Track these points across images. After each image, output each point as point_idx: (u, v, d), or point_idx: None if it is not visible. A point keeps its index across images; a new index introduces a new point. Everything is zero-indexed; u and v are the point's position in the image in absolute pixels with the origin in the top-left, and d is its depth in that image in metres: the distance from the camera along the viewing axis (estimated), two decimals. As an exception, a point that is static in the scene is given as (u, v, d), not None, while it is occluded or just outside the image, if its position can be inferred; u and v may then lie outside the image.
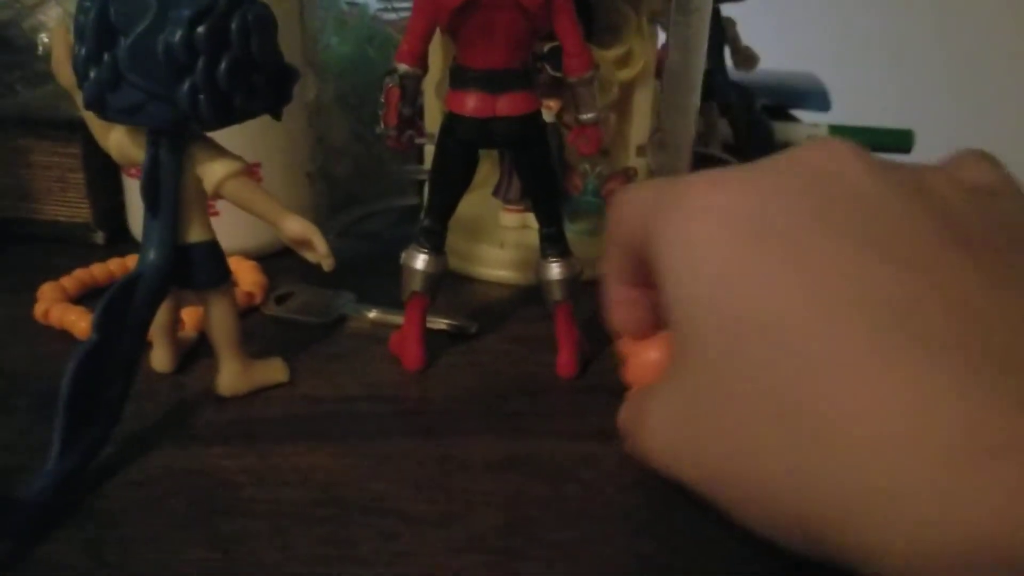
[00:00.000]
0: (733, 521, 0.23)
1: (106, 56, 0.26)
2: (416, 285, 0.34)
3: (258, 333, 0.38)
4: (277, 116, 0.30)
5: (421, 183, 0.48)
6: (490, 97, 0.31)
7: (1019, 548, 0.17)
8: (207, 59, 0.26)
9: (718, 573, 0.26)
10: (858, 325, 0.20)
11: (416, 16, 0.31)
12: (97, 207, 0.46)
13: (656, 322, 0.29)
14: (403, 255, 0.35)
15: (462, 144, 0.33)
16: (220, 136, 0.30)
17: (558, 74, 0.33)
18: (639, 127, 0.46)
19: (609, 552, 0.26)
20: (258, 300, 0.40)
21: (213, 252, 0.31)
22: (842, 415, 0.19)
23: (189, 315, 0.36)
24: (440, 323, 0.38)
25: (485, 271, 0.44)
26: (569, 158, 0.44)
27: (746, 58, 0.63)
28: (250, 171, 0.30)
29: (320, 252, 0.30)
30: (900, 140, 0.67)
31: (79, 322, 0.36)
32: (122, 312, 0.29)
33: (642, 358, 0.30)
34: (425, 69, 0.32)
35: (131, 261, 0.42)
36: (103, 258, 0.42)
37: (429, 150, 0.45)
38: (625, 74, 0.44)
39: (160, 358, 0.34)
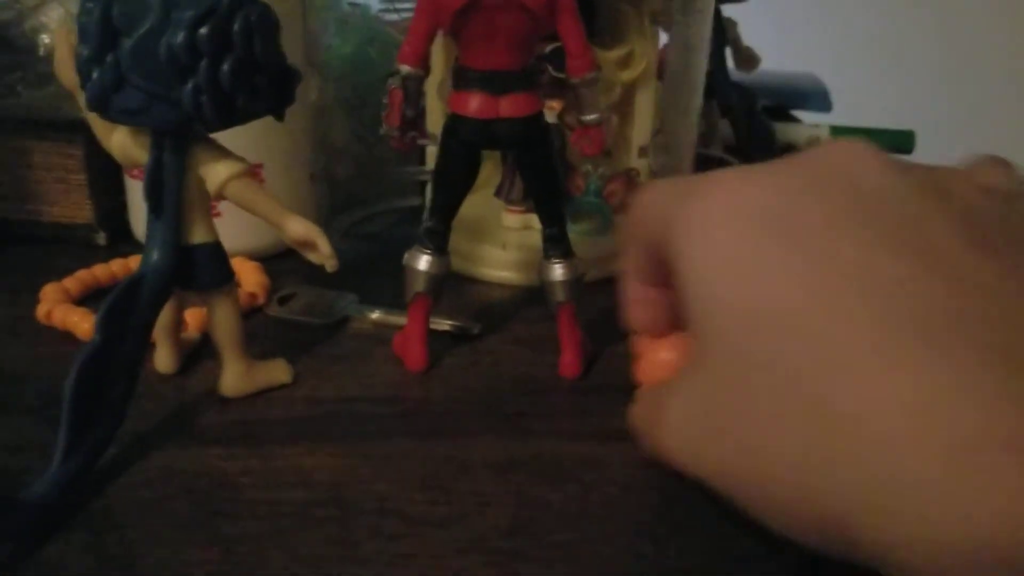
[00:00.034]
0: (749, 518, 0.23)
1: (109, 57, 0.26)
2: (419, 286, 0.34)
3: (261, 334, 0.38)
4: (280, 117, 0.30)
5: (422, 184, 0.48)
6: (493, 98, 0.31)
7: (1020, 548, 0.17)
8: (210, 60, 0.26)
9: (719, 574, 0.26)
10: (874, 322, 0.20)
11: (418, 17, 0.31)
12: (99, 208, 0.46)
13: (671, 322, 0.29)
14: (406, 256, 0.35)
15: (465, 145, 0.33)
16: (222, 137, 0.30)
17: (560, 75, 0.33)
18: (641, 128, 0.46)
19: (611, 553, 0.26)
20: (261, 301, 0.40)
21: (216, 253, 0.31)
22: (854, 412, 0.19)
23: (192, 316, 0.36)
24: (443, 324, 0.38)
25: (487, 272, 0.44)
26: (571, 159, 0.44)
27: (747, 59, 0.63)
28: (253, 172, 0.30)
29: (323, 253, 0.30)
30: (901, 141, 0.67)
31: (81, 323, 0.36)
32: (125, 313, 0.29)
33: (654, 357, 0.30)
34: (428, 70, 0.32)
35: (133, 262, 0.42)
36: (105, 259, 0.42)
37: (431, 151, 0.45)
38: (627, 75, 0.44)
39: (163, 359, 0.34)
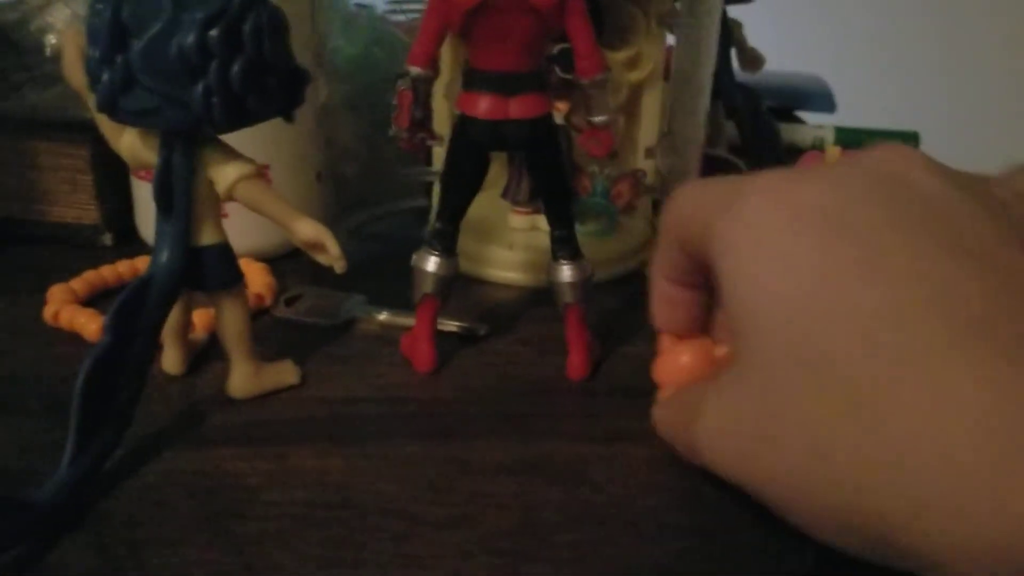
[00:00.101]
0: (789, 522, 0.23)
1: (119, 58, 0.26)
2: (427, 287, 0.34)
3: (268, 335, 0.38)
4: (289, 119, 0.30)
5: (429, 184, 0.48)
6: (502, 99, 0.31)
7: None
8: (220, 61, 0.26)
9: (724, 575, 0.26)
10: (933, 323, 0.20)
11: (429, 18, 0.31)
12: (105, 209, 0.46)
13: (696, 324, 0.29)
14: (414, 257, 0.35)
15: (474, 146, 0.33)
16: (228, 138, 0.30)
17: (568, 76, 0.33)
18: (647, 129, 0.46)
19: (619, 555, 0.26)
20: (267, 302, 0.40)
21: (225, 254, 0.31)
22: (915, 412, 0.19)
23: (200, 317, 0.36)
24: (450, 325, 0.38)
25: (494, 273, 0.44)
26: (578, 160, 0.44)
27: (752, 60, 0.63)
28: (262, 173, 0.30)
29: (332, 254, 0.30)
30: (906, 143, 0.67)
31: (89, 324, 0.36)
32: (134, 314, 0.29)
33: (674, 359, 0.30)
34: (437, 71, 0.32)
35: (140, 263, 0.42)
36: (111, 260, 0.42)
37: (438, 151, 0.45)
38: (634, 76, 0.44)
39: (171, 360, 0.34)
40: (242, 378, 0.33)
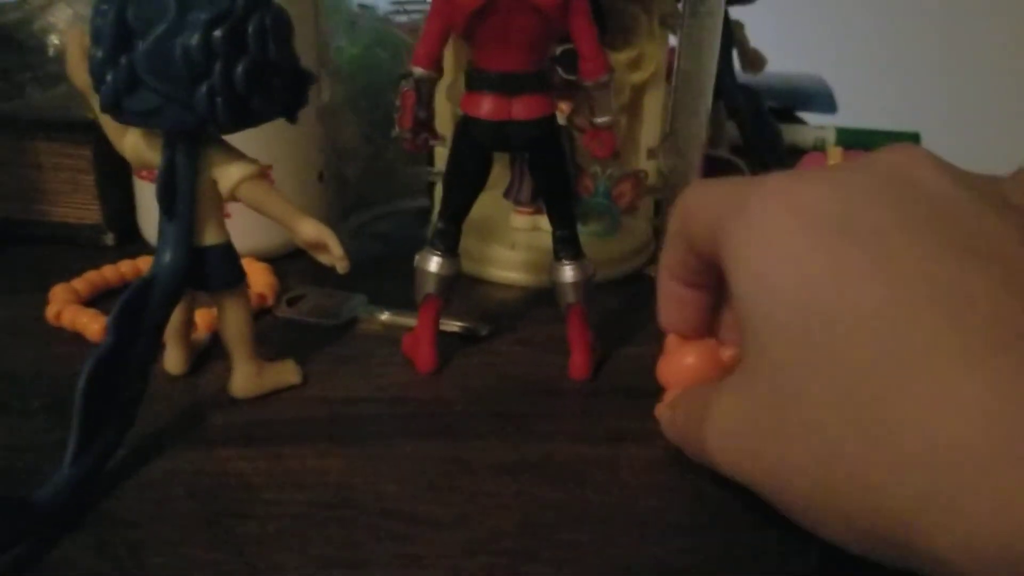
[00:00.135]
0: (796, 522, 0.23)
1: (123, 59, 0.26)
2: (430, 287, 0.34)
3: (270, 335, 0.38)
4: (293, 119, 0.30)
5: (431, 184, 0.48)
6: (505, 100, 0.31)
7: None
8: (224, 62, 0.26)
9: (726, 575, 0.26)
10: (940, 323, 0.20)
11: (432, 19, 0.31)
12: (107, 208, 0.46)
13: (703, 326, 0.29)
14: (417, 257, 0.35)
15: (477, 146, 0.33)
16: (231, 138, 0.30)
17: (570, 77, 0.32)
18: (650, 130, 0.46)
19: (620, 555, 0.26)
20: (270, 302, 0.40)
21: (228, 254, 0.31)
22: (926, 414, 0.19)
23: (202, 317, 0.36)
24: (452, 325, 0.38)
25: (496, 273, 0.44)
26: (580, 160, 0.44)
27: (754, 60, 0.63)
28: (265, 174, 0.30)
29: (335, 255, 0.30)
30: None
31: (91, 324, 0.37)
32: (138, 314, 0.29)
33: (679, 360, 0.30)
34: (440, 72, 0.32)
35: (142, 263, 0.42)
36: (113, 259, 0.42)
37: (440, 152, 0.45)
38: (636, 77, 0.44)
39: (173, 360, 0.34)
40: (244, 378, 0.33)
